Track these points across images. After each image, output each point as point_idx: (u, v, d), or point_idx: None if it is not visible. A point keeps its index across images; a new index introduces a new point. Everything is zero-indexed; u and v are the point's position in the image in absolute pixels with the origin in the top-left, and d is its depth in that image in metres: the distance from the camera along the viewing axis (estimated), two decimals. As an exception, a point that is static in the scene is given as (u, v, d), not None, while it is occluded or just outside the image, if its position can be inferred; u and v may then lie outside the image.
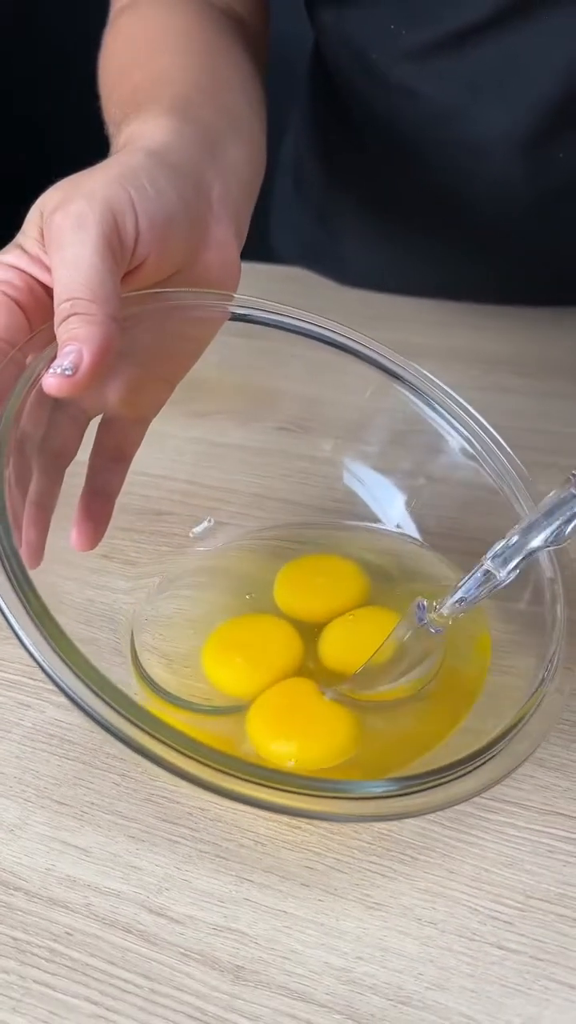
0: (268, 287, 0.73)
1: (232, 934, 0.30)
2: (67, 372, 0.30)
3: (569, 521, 0.32)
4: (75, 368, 0.30)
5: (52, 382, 0.30)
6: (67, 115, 1.08)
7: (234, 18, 0.52)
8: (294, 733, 0.34)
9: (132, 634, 0.39)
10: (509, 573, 0.32)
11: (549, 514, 0.32)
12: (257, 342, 0.44)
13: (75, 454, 0.36)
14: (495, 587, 0.33)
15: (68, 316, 0.30)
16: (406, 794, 0.30)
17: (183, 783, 0.27)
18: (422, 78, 0.53)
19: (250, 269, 0.74)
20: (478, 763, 0.31)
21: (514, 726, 0.32)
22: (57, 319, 0.31)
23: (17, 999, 0.29)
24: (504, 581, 0.33)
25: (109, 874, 0.32)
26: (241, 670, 0.37)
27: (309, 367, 0.44)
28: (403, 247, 0.66)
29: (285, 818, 0.34)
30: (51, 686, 0.38)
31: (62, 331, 0.30)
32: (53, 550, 0.38)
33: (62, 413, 0.35)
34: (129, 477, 0.43)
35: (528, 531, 0.32)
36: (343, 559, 0.41)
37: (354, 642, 0.37)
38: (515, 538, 0.32)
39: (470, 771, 0.30)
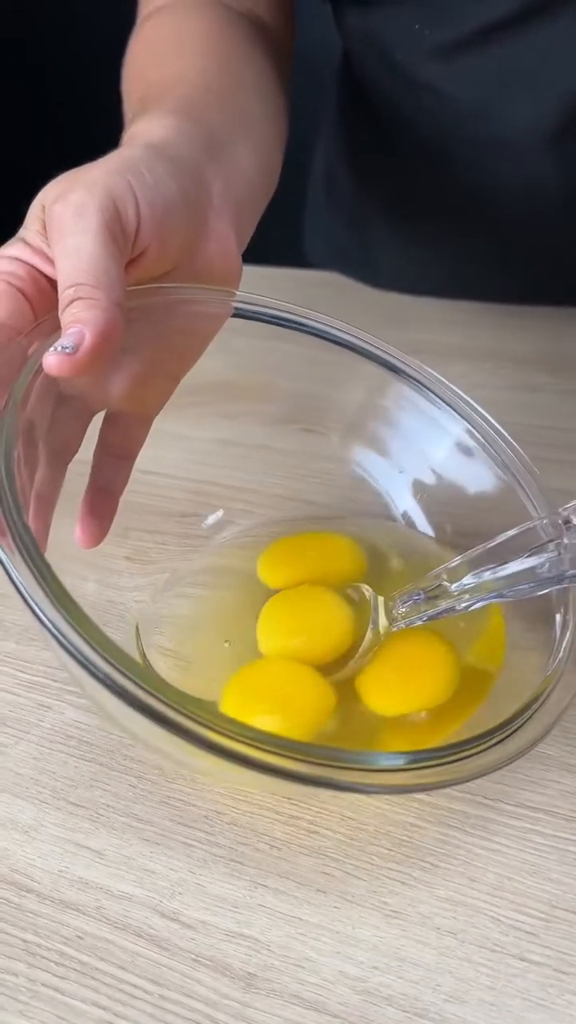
0: (301, 292, 0.74)
1: (245, 940, 0.30)
2: (67, 350, 0.29)
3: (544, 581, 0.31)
4: (76, 347, 0.29)
5: (52, 360, 0.29)
6: (74, 112, 1.10)
7: (257, 24, 0.52)
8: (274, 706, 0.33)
9: (138, 632, 0.39)
10: (465, 606, 0.33)
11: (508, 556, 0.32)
12: (273, 343, 0.44)
13: (77, 449, 0.36)
14: (441, 613, 0.33)
15: (72, 301, 0.30)
16: (427, 766, 0.28)
17: (221, 761, 0.26)
18: (447, 77, 0.53)
19: (283, 274, 0.75)
20: (501, 736, 0.30)
21: (534, 701, 0.31)
22: (61, 306, 0.31)
23: (25, 1002, 0.28)
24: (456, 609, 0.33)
25: (122, 877, 0.32)
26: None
27: (321, 366, 0.43)
28: (432, 248, 0.66)
29: (303, 823, 0.33)
30: (72, 687, 0.39)
31: (66, 315, 0.30)
32: (70, 548, 0.38)
33: (65, 407, 0.34)
34: (148, 478, 0.42)
35: (479, 566, 0.32)
36: (336, 535, 0.41)
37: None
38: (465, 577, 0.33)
39: (494, 744, 0.29)
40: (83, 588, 0.39)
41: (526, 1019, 0.27)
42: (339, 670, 0.35)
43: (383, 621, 0.35)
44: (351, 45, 0.59)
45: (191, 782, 0.34)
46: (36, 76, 1.35)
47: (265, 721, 0.32)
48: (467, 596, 0.33)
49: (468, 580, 0.33)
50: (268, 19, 0.52)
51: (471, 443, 0.39)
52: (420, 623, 0.34)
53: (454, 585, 0.34)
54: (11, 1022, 0.28)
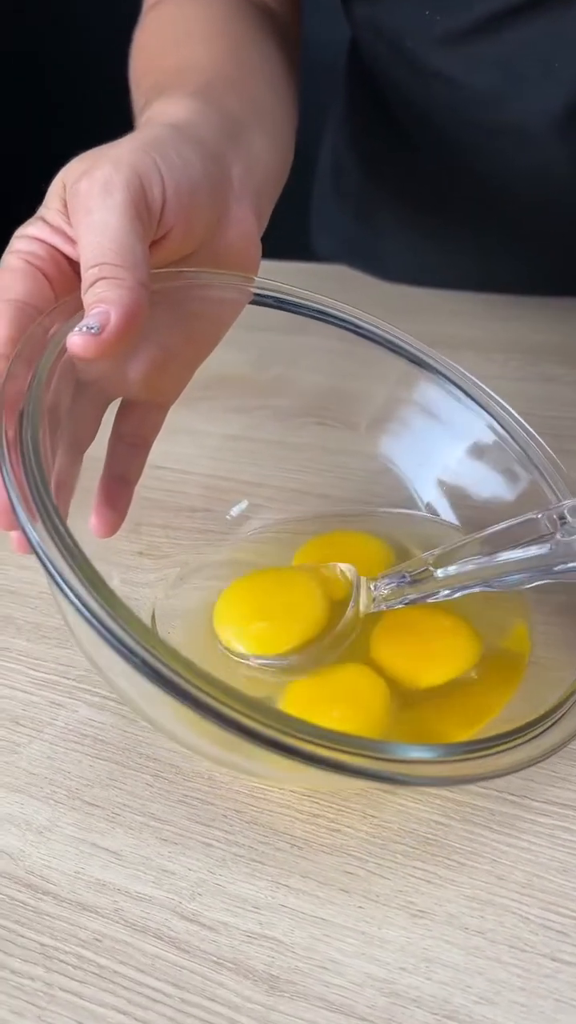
0: (309, 284, 0.72)
1: (267, 942, 0.29)
2: (93, 330, 0.29)
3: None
4: (102, 327, 0.29)
5: (77, 340, 0.29)
6: (74, 111, 1.09)
7: (265, 11, 0.51)
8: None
9: (155, 624, 0.38)
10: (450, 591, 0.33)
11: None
12: (293, 338, 0.43)
13: (93, 438, 0.35)
14: (423, 598, 0.33)
15: (96, 280, 0.29)
16: (458, 760, 0.28)
17: (248, 743, 0.26)
18: (458, 64, 0.52)
19: (291, 267, 0.75)
20: (531, 735, 0.29)
21: (561, 704, 0.30)
22: (84, 284, 0.30)
23: (43, 1007, 0.28)
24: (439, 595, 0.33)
25: (140, 878, 0.31)
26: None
27: (342, 359, 0.42)
28: (442, 240, 0.65)
29: (323, 821, 0.32)
30: (85, 685, 0.38)
31: (89, 295, 0.29)
32: (90, 547, 0.37)
33: (82, 394, 0.34)
34: (166, 474, 0.42)
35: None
36: (365, 535, 0.40)
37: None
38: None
39: (524, 742, 0.29)
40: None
41: (558, 1021, 0.26)
42: (313, 651, 0.34)
43: (363, 601, 0.34)
44: (359, 34, 0.58)
45: (209, 781, 0.34)
46: (36, 74, 1.34)
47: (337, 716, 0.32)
48: (452, 582, 0.33)
49: (454, 568, 0.33)
50: (275, 5, 0.51)
51: (494, 436, 0.38)
52: (400, 607, 0.34)
53: (440, 571, 0.33)
54: (29, 1028, 0.27)
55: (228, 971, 0.28)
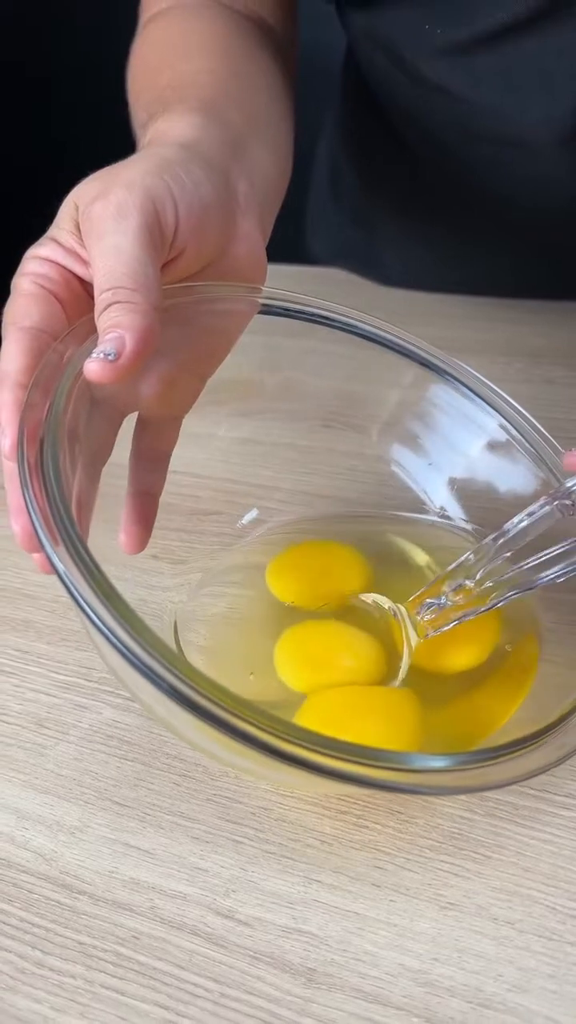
0: (308, 288, 0.72)
1: (302, 936, 0.29)
2: (110, 357, 0.29)
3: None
4: (118, 354, 0.29)
5: (94, 367, 0.29)
6: (85, 110, 1.10)
7: (262, 26, 0.51)
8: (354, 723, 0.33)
9: (176, 630, 0.38)
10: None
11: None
12: (302, 341, 0.44)
13: (110, 453, 0.35)
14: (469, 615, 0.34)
15: (110, 304, 0.30)
16: (469, 768, 0.29)
17: (264, 757, 0.26)
18: (457, 77, 0.53)
19: (289, 271, 0.75)
20: (535, 745, 0.30)
21: (572, 711, 0.31)
22: (98, 308, 0.30)
23: (85, 1004, 0.28)
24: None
25: (174, 876, 0.31)
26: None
27: (350, 363, 0.43)
28: (441, 245, 0.66)
29: (351, 817, 0.33)
30: (108, 687, 0.39)
31: (104, 319, 0.30)
32: (105, 551, 0.37)
33: (96, 412, 0.34)
34: (177, 478, 0.42)
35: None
36: (339, 545, 0.41)
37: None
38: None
39: (527, 752, 0.29)
40: (121, 591, 0.39)
41: (590, 1007, 0.27)
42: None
43: (415, 639, 0.35)
44: (356, 43, 0.59)
45: (236, 780, 0.34)
46: (38, 89, 1.34)
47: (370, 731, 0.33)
48: (492, 594, 0.34)
49: (490, 581, 0.34)
50: (272, 20, 0.52)
51: (506, 436, 0.39)
52: (448, 629, 0.34)
53: (476, 587, 0.34)
54: (74, 1024, 0.28)
55: (265, 965, 0.29)
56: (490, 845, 0.32)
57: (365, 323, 0.40)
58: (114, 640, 0.25)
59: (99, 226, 0.31)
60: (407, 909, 0.30)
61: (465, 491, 0.42)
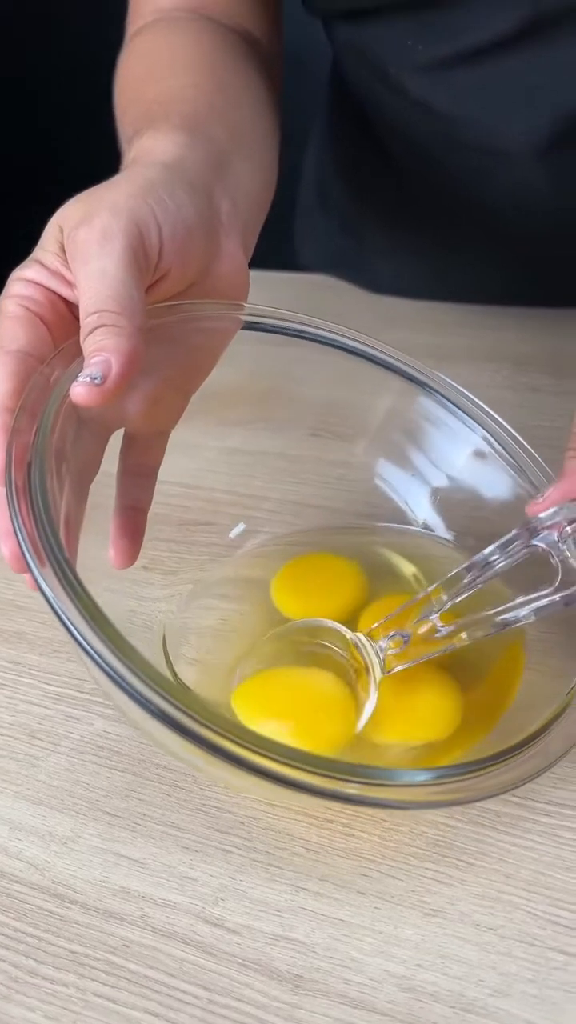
0: (296, 295, 0.74)
1: (289, 943, 0.30)
2: (96, 381, 0.30)
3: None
4: (104, 377, 0.30)
5: (80, 391, 0.30)
6: (75, 120, 1.10)
7: (248, 39, 0.52)
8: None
9: (165, 643, 0.39)
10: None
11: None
12: (287, 350, 0.44)
13: (98, 470, 0.36)
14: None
15: (95, 328, 0.30)
16: (449, 782, 0.29)
17: (259, 779, 0.27)
18: (438, 92, 0.53)
19: (277, 278, 0.76)
20: (515, 757, 0.30)
21: (550, 722, 0.31)
22: (84, 331, 0.31)
23: (77, 1012, 0.29)
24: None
25: (164, 885, 0.32)
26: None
27: (336, 372, 0.44)
28: (429, 254, 0.66)
29: (337, 826, 0.33)
30: (99, 698, 0.39)
31: (89, 342, 0.30)
32: (95, 562, 0.38)
33: (84, 430, 0.35)
34: (167, 489, 0.43)
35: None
36: (339, 558, 0.41)
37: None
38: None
39: (507, 764, 0.30)
40: (103, 598, 0.40)
41: (568, 1010, 0.28)
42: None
43: (378, 674, 0.34)
44: (342, 57, 0.60)
45: (224, 790, 0.35)
46: (31, 102, 1.35)
47: (280, 726, 0.33)
48: (463, 635, 0.34)
49: (459, 621, 0.33)
50: (257, 33, 0.52)
51: (488, 450, 0.40)
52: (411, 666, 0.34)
53: (445, 627, 0.34)
54: (67, 1032, 0.28)
55: (253, 972, 0.29)
56: (473, 852, 0.32)
57: (349, 337, 0.40)
58: (101, 662, 0.26)
59: (84, 250, 0.32)
60: (392, 916, 0.31)
61: (448, 502, 0.42)
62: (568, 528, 0.33)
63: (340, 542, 0.45)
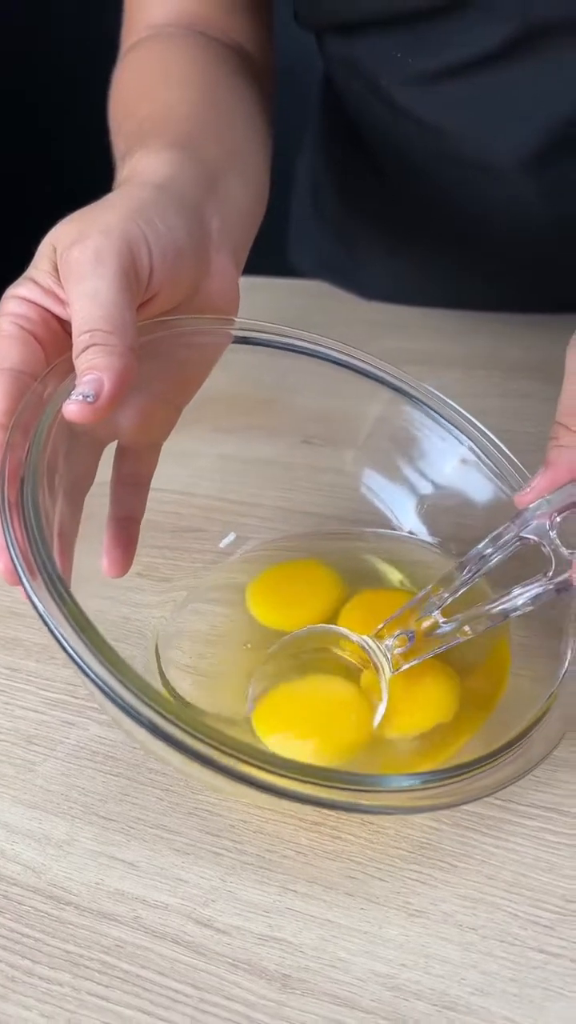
0: (289, 302, 0.75)
1: (278, 943, 0.31)
2: (88, 399, 0.31)
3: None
4: (96, 395, 0.31)
5: (73, 408, 0.31)
6: (72, 135, 1.11)
7: (239, 52, 0.53)
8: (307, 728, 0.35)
9: (157, 648, 0.40)
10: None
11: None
12: (280, 360, 0.45)
13: (92, 482, 0.37)
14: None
15: (88, 347, 0.31)
16: (435, 786, 0.30)
17: (251, 790, 0.28)
18: (427, 104, 0.54)
19: (272, 284, 0.77)
20: (496, 762, 0.31)
21: (533, 725, 0.33)
22: (76, 350, 0.32)
23: (72, 1011, 0.30)
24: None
25: (156, 887, 0.33)
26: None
27: (327, 382, 0.44)
28: (420, 262, 0.67)
29: (326, 829, 0.34)
30: (94, 704, 0.40)
31: (81, 361, 0.31)
32: (90, 570, 0.39)
33: (77, 443, 0.36)
34: (160, 496, 0.44)
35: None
36: (315, 563, 0.42)
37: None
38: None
39: (491, 767, 0.31)
40: (97, 605, 0.41)
41: (547, 1008, 0.29)
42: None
43: (387, 674, 0.35)
44: (333, 69, 0.60)
45: (216, 794, 0.36)
46: (32, 115, 1.36)
47: (303, 742, 0.34)
48: (468, 629, 0.35)
49: (460, 615, 0.35)
50: (249, 47, 0.53)
51: (473, 459, 0.41)
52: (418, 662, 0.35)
53: (448, 621, 0.35)
54: (62, 1030, 0.29)
55: (243, 971, 0.30)
56: (457, 854, 0.33)
57: (336, 350, 0.41)
58: (92, 675, 0.27)
59: (78, 270, 0.33)
60: (377, 917, 0.32)
61: (433, 509, 0.44)
62: (557, 517, 0.34)
63: (327, 548, 0.46)
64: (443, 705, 0.36)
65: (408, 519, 0.44)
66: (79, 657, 0.27)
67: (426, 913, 0.32)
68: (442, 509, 0.43)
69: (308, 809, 0.35)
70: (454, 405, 0.42)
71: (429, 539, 0.43)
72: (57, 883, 0.33)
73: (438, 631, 0.35)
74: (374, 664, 0.36)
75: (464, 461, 0.41)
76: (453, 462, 0.42)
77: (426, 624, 0.35)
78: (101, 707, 0.29)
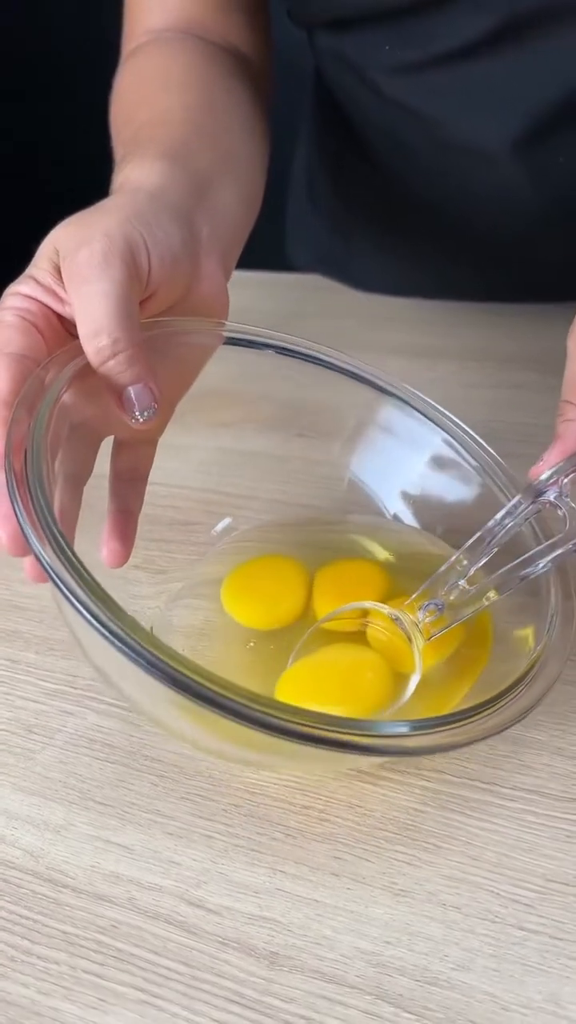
0: (287, 296, 0.76)
1: (267, 923, 0.32)
2: (153, 409, 0.35)
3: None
4: (156, 399, 0.35)
5: (148, 417, 0.36)
6: (72, 135, 1.12)
7: (236, 55, 0.54)
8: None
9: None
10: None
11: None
12: (267, 358, 0.46)
13: (90, 473, 0.38)
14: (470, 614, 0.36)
15: (115, 355, 0.34)
16: (431, 732, 0.31)
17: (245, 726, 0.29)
18: (415, 93, 0.55)
19: (269, 279, 0.77)
20: (495, 708, 0.32)
21: (525, 675, 0.34)
22: (96, 353, 0.34)
23: (68, 988, 0.31)
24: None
25: (151, 869, 0.34)
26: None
27: (317, 380, 0.45)
28: (414, 253, 0.68)
29: (314, 812, 0.35)
30: (92, 693, 0.41)
31: (118, 372, 0.34)
32: (89, 562, 0.40)
33: (76, 435, 0.37)
34: (159, 490, 0.45)
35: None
36: (284, 558, 0.43)
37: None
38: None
39: (492, 713, 0.32)
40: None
41: (526, 983, 0.30)
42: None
43: (420, 644, 0.37)
44: (323, 62, 0.61)
45: (209, 779, 0.37)
46: (33, 126, 1.37)
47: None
48: (491, 593, 0.36)
49: (485, 580, 0.37)
50: (246, 49, 0.54)
51: (450, 451, 0.42)
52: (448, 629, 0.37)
53: (473, 587, 0.37)
54: (58, 1006, 0.30)
55: (232, 950, 0.31)
56: (441, 836, 0.34)
57: (320, 353, 0.43)
58: (94, 622, 0.28)
59: (86, 272, 0.34)
60: (363, 896, 0.33)
61: (417, 499, 0.45)
62: (565, 480, 0.37)
63: (316, 536, 0.47)
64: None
65: (394, 509, 0.45)
66: (87, 610, 0.28)
67: (411, 893, 0.33)
68: (427, 500, 0.44)
69: (296, 791, 0.36)
70: (431, 402, 0.43)
71: (416, 524, 0.44)
72: (55, 866, 0.35)
73: (465, 596, 0.37)
74: (406, 635, 0.37)
75: (444, 455, 0.43)
76: (434, 456, 0.43)
77: (454, 595, 0.37)
78: (101, 666, 0.30)
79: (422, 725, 0.31)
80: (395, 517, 0.45)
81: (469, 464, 0.42)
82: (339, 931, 0.32)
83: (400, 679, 0.36)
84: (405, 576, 0.41)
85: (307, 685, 0.37)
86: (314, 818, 0.35)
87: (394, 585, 0.41)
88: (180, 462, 0.53)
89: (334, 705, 0.36)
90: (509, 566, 0.36)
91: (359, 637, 0.39)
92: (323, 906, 0.32)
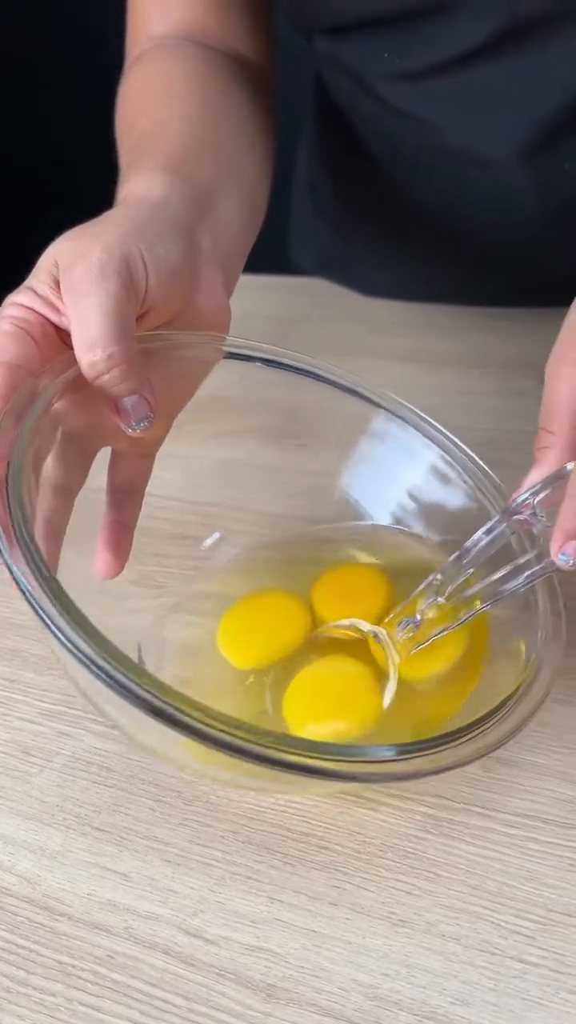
0: (289, 300, 0.75)
1: (264, 953, 0.32)
2: (150, 417, 0.36)
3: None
4: (152, 409, 0.36)
5: (144, 427, 0.36)
6: (72, 136, 1.12)
7: (239, 61, 0.53)
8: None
9: (140, 657, 0.40)
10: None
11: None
12: (264, 372, 0.46)
13: (83, 482, 0.38)
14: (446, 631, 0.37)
15: (110, 369, 0.34)
16: (426, 754, 0.31)
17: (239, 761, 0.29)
18: (416, 99, 0.54)
19: (272, 282, 0.77)
20: (483, 728, 0.32)
21: (515, 692, 0.34)
22: (90, 367, 0.34)
23: (64, 1020, 0.31)
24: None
25: (147, 898, 0.34)
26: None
27: (313, 392, 0.45)
28: (416, 257, 0.67)
29: (313, 839, 0.35)
30: (89, 714, 0.41)
31: (112, 385, 0.34)
32: (81, 575, 0.39)
33: (70, 444, 0.37)
34: (157, 503, 0.44)
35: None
36: (283, 594, 0.43)
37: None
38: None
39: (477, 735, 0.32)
40: (86, 610, 0.42)
41: (526, 1018, 0.29)
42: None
43: (397, 658, 0.38)
44: (324, 67, 0.60)
45: (207, 804, 0.37)
46: (36, 132, 1.37)
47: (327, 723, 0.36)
48: (464, 611, 0.37)
49: (456, 596, 0.37)
50: (249, 54, 0.53)
51: (441, 463, 0.43)
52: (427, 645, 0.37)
53: (448, 603, 0.37)
54: (53, 1041, 0.30)
55: (229, 981, 0.31)
56: (441, 864, 0.34)
57: (317, 369, 0.42)
58: (62, 638, 0.28)
59: (84, 285, 0.34)
60: (361, 927, 0.32)
61: (408, 511, 0.45)
62: (534, 500, 0.37)
63: (311, 548, 0.47)
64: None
65: (391, 517, 0.45)
66: (57, 628, 0.28)
67: (410, 923, 0.32)
68: (417, 511, 0.44)
69: (295, 817, 0.36)
70: (421, 413, 0.43)
71: (411, 533, 0.45)
72: (51, 894, 0.34)
73: (439, 614, 0.37)
74: (384, 651, 0.38)
75: (435, 467, 0.43)
76: (426, 465, 0.43)
77: (432, 613, 0.37)
78: (74, 680, 0.30)
79: (408, 749, 0.31)
80: (389, 526, 0.45)
81: (462, 477, 0.42)
82: (337, 963, 0.31)
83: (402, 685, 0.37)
84: (403, 583, 0.41)
85: (308, 701, 0.37)
86: (313, 845, 0.35)
87: (396, 591, 0.42)
88: (176, 472, 0.53)
89: (336, 718, 0.36)
90: (486, 581, 0.37)
91: (362, 644, 0.39)
92: (321, 936, 0.32)
